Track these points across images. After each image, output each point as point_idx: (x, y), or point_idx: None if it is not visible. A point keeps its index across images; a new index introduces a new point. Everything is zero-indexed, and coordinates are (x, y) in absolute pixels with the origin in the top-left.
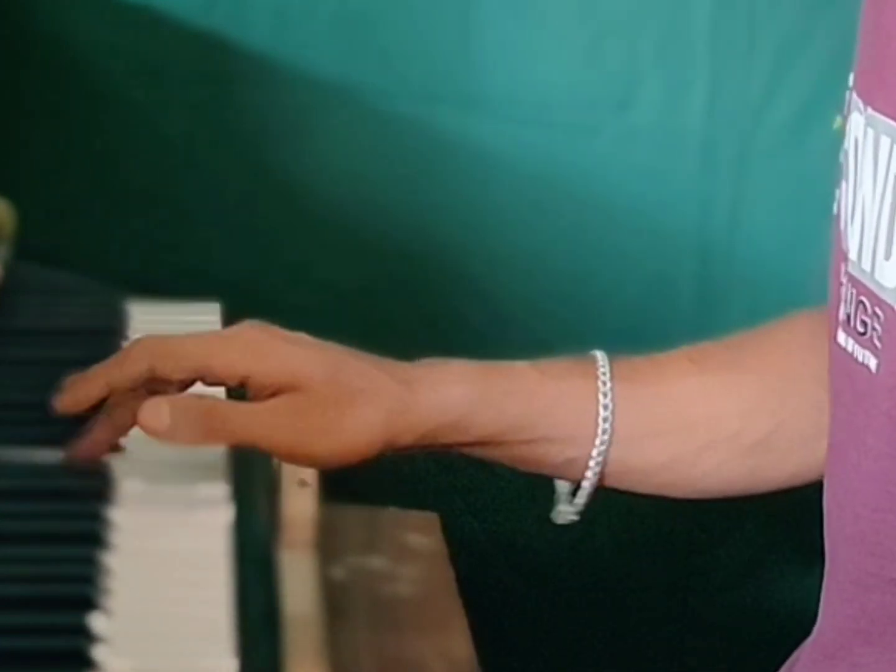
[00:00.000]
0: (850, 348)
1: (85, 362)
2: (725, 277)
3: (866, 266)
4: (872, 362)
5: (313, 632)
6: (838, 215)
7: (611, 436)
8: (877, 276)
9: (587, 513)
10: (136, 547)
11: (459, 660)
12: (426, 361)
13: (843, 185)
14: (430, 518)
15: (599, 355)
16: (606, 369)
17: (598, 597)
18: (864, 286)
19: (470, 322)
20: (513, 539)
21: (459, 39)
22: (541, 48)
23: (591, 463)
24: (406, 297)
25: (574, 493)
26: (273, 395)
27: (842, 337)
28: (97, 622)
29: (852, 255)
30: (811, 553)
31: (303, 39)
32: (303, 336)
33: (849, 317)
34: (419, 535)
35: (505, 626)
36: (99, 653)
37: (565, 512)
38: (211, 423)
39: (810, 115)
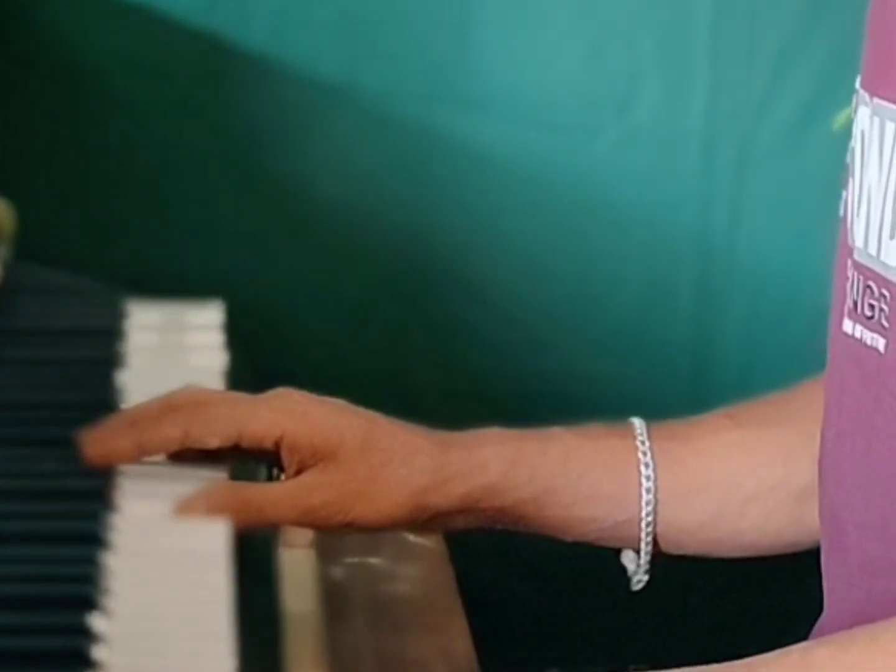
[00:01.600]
0: (857, 334)
1: (85, 362)
2: (725, 278)
3: (872, 250)
4: (881, 343)
5: (313, 632)
6: (844, 216)
7: (655, 494)
8: (882, 257)
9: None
10: (136, 547)
11: (459, 660)
12: (461, 433)
13: (850, 183)
14: None
15: (636, 420)
16: (643, 430)
17: (598, 597)
18: (871, 270)
19: (470, 323)
20: (513, 539)
21: (459, 40)
22: (541, 49)
23: (643, 524)
24: (405, 298)
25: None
26: (303, 460)
27: (848, 325)
28: (97, 622)
29: (858, 244)
30: (811, 553)
31: (303, 40)
32: (336, 400)
33: (855, 304)
34: (419, 535)
35: (505, 626)
36: (99, 653)
37: (641, 580)
38: (246, 514)
39: (810, 116)
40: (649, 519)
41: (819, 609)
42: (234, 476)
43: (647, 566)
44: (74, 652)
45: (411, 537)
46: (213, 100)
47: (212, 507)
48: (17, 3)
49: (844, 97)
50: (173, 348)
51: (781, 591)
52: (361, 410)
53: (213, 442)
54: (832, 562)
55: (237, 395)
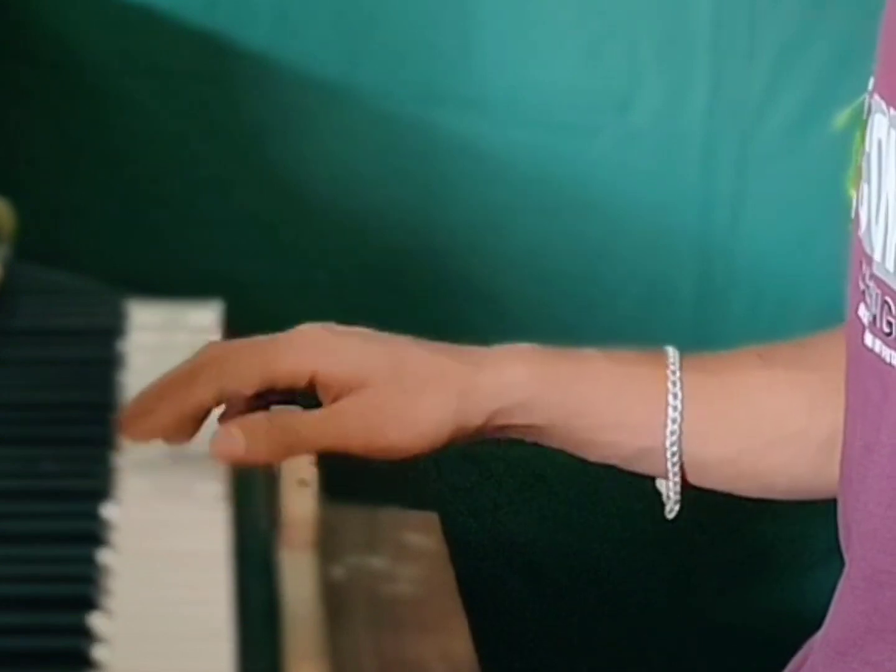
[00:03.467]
0: (877, 349)
1: (85, 362)
2: (725, 278)
3: (890, 265)
4: None
5: (313, 632)
6: (857, 218)
7: (680, 424)
8: None
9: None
10: (136, 547)
11: (459, 660)
12: (491, 347)
13: (865, 187)
14: (430, 518)
15: (670, 349)
16: (676, 359)
17: (598, 597)
18: (889, 287)
19: (470, 322)
20: (513, 539)
21: (459, 40)
22: (541, 49)
23: (668, 454)
24: (406, 297)
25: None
26: (338, 394)
27: (869, 339)
28: (97, 622)
29: (877, 256)
30: (812, 553)
31: (303, 39)
32: (362, 329)
33: (875, 318)
34: (419, 535)
35: (505, 626)
36: (99, 653)
37: (670, 509)
38: (284, 438)
39: (810, 116)
40: (674, 449)
41: (820, 611)
42: (235, 473)
43: (678, 496)
44: (74, 652)
45: (411, 537)
46: (213, 99)
47: (248, 432)
48: (16, 3)
49: (844, 97)
50: (173, 348)
51: (781, 592)
52: (389, 337)
53: (249, 391)
54: (844, 571)
55: (261, 340)
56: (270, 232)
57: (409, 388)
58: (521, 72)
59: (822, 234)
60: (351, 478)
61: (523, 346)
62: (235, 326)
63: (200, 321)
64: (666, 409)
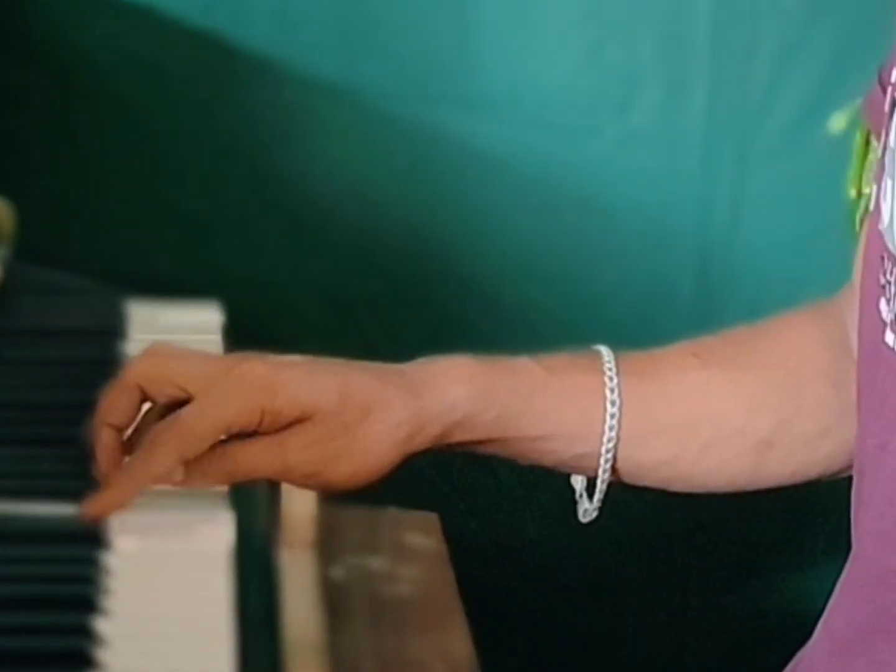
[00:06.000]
0: None
1: (85, 362)
2: (725, 278)
3: None
4: None
5: (313, 632)
6: (877, 214)
7: (618, 432)
8: None
9: (603, 509)
10: (136, 547)
11: (459, 660)
12: (427, 360)
13: (888, 182)
14: (430, 518)
15: (604, 350)
16: (612, 364)
17: (598, 597)
18: None
19: (470, 322)
20: (513, 539)
21: (459, 40)
22: (541, 49)
23: (602, 460)
24: (406, 297)
25: (590, 490)
26: (288, 425)
27: (890, 337)
28: (97, 622)
29: None
30: (811, 553)
31: (303, 39)
32: (306, 359)
33: None
34: (419, 535)
35: (505, 626)
36: (99, 653)
37: (588, 510)
38: (223, 467)
39: (810, 116)
40: (608, 456)
41: (820, 611)
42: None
43: (601, 497)
44: (74, 652)
45: (411, 537)
46: (213, 99)
47: (194, 463)
48: (16, 3)
49: (844, 97)
50: None
51: (781, 592)
52: (334, 365)
53: (207, 445)
54: (847, 569)
55: (206, 385)
56: (270, 231)
57: (349, 422)
58: (521, 72)
59: (821, 233)
60: None
61: (460, 361)
62: (235, 326)
63: (200, 321)
64: (604, 416)
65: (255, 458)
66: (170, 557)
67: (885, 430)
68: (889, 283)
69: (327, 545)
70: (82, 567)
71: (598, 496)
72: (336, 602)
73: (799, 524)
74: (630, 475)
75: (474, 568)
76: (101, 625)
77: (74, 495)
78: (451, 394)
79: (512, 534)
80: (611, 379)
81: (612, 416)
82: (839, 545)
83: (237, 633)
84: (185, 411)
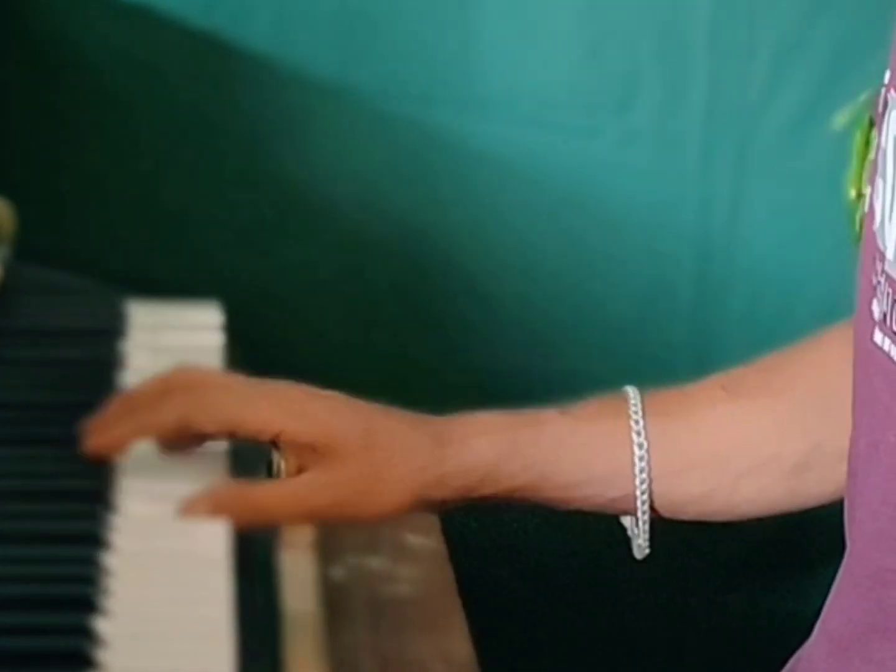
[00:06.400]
0: (886, 348)
1: (85, 362)
2: (725, 278)
3: None
4: None
5: (313, 632)
6: (871, 214)
7: (649, 473)
8: None
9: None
10: (136, 547)
11: (459, 660)
12: (455, 416)
13: (879, 182)
14: (430, 518)
15: (631, 391)
16: (638, 406)
17: (598, 597)
18: None
19: (469, 322)
20: (513, 539)
21: (458, 40)
22: (540, 49)
23: (639, 502)
24: (405, 297)
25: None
26: (302, 453)
27: (878, 336)
28: (97, 623)
29: (889, 255)
30: (810, 553)
31: (303, 40)
32: (336, 395)
33: (885, 316)
34: (419, 535)
35: (505, 626)
36: (99, 653)
37: (641, 546)
38: (250, 515)
39: (810, 116)
40: (644, 497)
41: (818, 611)
42: (235, 473)
43: (647, 535)
44: (74, 652)
45: (411, 537)
46: (213, 100)
47: (215, 507)
48: (17, 3)
49: (844, 97)
50: (173, 348)
51: (781, 592)
52: (361, 405)
53: (210, 428)
54: (843, 567)
55: (237, 382)
56: (270, 232)
57: (376, 462)
58: (520, 72)
59: (820, 233)
60: None
61: (485, 415)
62: (235, 326)
63: (200, 321)
64: (633, 459)
65: (280, 501)
66: (170, 557)
67: (877, 430)
68: (879, 282)
69: (327, 545)
70: (82, 567)
71: (643, 536)
72: (336, 602)
73: (799, 524)
74: (669, 511)
75: (474, 568)
76: (101, 625)
77: (74, 495)
78: (475, 446)
79: (512, 534)
80: (636, 422)
81: (641, 458)
82: (838, 545)
83: (237, 633)
84: (209, 384)
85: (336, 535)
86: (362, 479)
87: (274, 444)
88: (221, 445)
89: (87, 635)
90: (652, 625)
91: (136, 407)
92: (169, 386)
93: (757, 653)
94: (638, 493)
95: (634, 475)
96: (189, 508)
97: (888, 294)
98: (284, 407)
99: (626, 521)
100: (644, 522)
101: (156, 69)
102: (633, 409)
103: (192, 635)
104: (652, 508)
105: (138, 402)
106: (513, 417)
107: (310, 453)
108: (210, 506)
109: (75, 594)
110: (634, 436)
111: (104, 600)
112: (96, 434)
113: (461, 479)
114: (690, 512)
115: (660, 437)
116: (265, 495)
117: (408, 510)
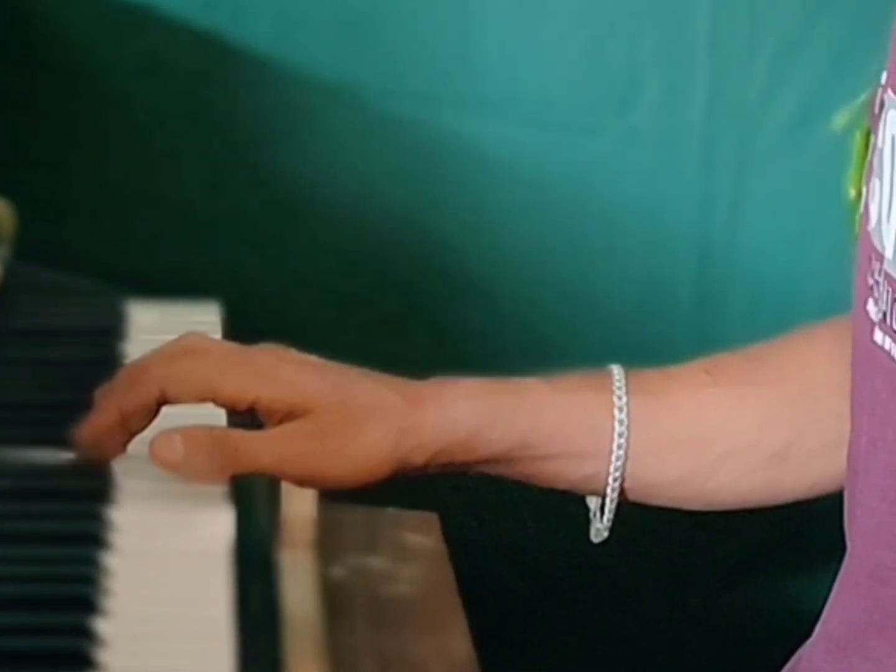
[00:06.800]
0: (887, 347)
1: (85, 362)
2: (725, 278)
3: None
4: None
5: (313, 632)
6: (867, 213)
7: (626, 451)
8: None
9: (613, 526)
10: (136, 547)
11: (459, 660)
12: (435, 380)
13: (876, 183)
14: (430, 518)
15: (616, 369)
16: (622, 383)
17: (598, 597)
18: None
19: (470, 322)
20: (513, 539)
21: (459, 40)
22: (541, 49)
23: (611, 479)
24: (405, 297)
25: (601, 509)
26: (283, 419)
27: (879, 336)
28: (97, 623)
29: (888, 254)
30: (810, 553)
31: (303, 40)
32: (312, 358)
33: (885, 315)
34: (419, 535)
35: (505, 626)
36: (99, 653)
37: (599, 529)
38: (223, 453)
39: (810, 116)
40: (617, 474)
41: (819, 611)
42: (236, 486)
43: (610, 518)
44: (74, 653)
45: (411, 537)
46: (212, 99)
47: (189, 443)
48: (17, 4)
49: (844, 97)
50: None
51: (781, 591)
52: (336, 366)
53: (187, 400)
54: (843, 566)
55: (215, 352)
56: (270, 232)
57: (349, 421)
58: (521, 72)
59: (821, 233)
60: None
61: (466, 380)
62: (235, 326)
63: (200, 321)
64: (612, 436)
65: (255, 449)
66: (170, 557)
67: (876, 427)
68: (877, 282)
69: (327, 545)
70: (82, 567)
71: (608, 516)
72: (336, 602)
73: (799, 524)
74: (643, 494)
75: (474, 568)
76: (102, 625)
77: (74, 495)
78: (455, 410)
79: (512, 534)
80: (619, 398)
81: (621, 434)
82: (839, 545)
83: (237, 633)
84: (182, 356)
85: (336, 535)
86: (336, 437)
87: (254, 415)
88: None
89: (87, 635)
90: (652, 625)
91: (114, 391)
92: (144, 364)
93: (757, 653)
94: (612, 468)
95: (611, 451)
96: (162, 444)
97: (888, 293)
98: (258, 374)
99: (592, 502)
100: (612, 501)
101: (156, 69)
102: (618, 385)
103: (192, 636)
104: (622, 492)
105: (116, 387)
106: (495, 384)
107: (289, 417)
108: (183, 440)
109: (75, 594)
110: (616, 412)
111: (104, 600)
112: (83, 428)
113: (439, 442)
114: (663, 497)
115: (641, 415)
116: (239, 437)
117: (387, 472)
